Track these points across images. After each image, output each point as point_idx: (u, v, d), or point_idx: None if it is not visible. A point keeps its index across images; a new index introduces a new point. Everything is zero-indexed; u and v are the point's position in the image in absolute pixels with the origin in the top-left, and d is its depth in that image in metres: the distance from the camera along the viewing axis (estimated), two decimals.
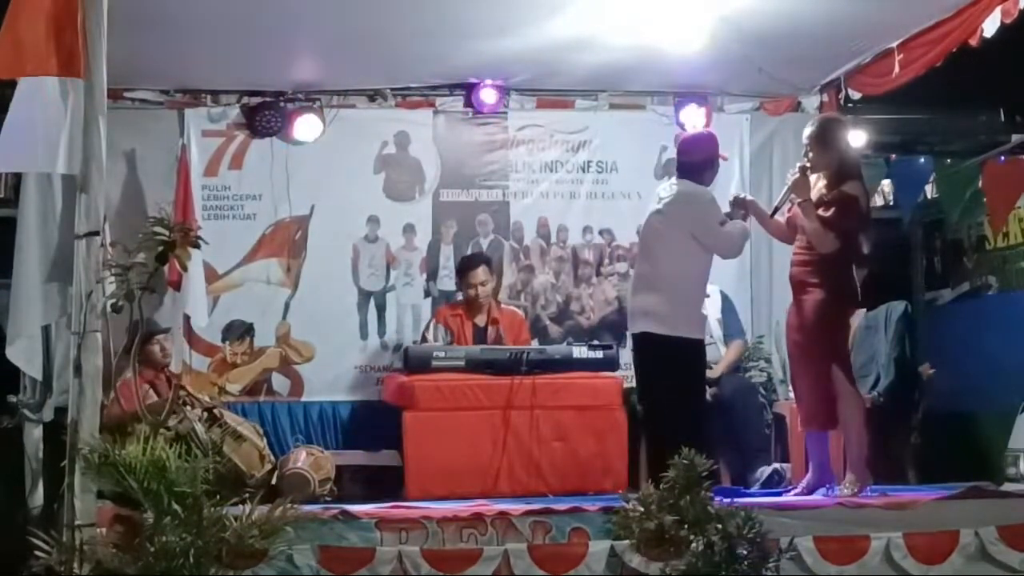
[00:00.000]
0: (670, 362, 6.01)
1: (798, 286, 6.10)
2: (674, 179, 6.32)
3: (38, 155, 4.88)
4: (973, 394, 8.13)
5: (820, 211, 5.95)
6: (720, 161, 6.40)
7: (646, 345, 6.16)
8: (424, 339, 7.37)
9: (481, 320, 7.37)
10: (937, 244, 9.70)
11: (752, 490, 6.70)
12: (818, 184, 6.06)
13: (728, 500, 5.04)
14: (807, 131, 6.15)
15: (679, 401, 5.96)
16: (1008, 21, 5.89)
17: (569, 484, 6.45)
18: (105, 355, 4.76)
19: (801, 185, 6.03)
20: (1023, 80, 8.17)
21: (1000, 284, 8.99)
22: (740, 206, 6.33)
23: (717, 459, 5.60)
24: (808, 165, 6.06)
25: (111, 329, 4.87)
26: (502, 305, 7.64)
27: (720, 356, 7.33)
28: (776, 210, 6.24)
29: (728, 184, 7.61)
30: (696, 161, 6.25)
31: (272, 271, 7.92)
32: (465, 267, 7.51)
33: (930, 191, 9.13)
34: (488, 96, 7.96)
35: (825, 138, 6.05)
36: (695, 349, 6.16)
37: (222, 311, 7.78)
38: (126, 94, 7.41)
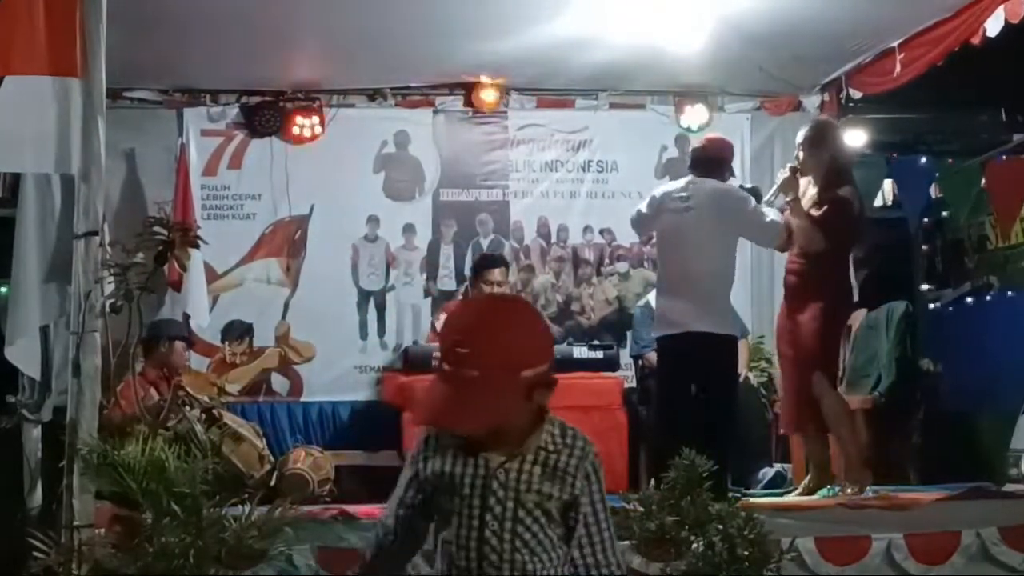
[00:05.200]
0: (709, 361, 5.85)
1: (794, 293, 6.08)
2: (691, 177, 6.13)
3: (33, 155, 4.87)
4: (974, 394, 8.11)
5: (812, 211, 5.96)
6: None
7: (684, 345, 5.93)
8: (433, 328, 7.34)
9: None
10: (938, 244, 9.69)
11: (754, 490, 6.69)
12: (808, 189, 6.06)
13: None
14: (801, 134, 6.16)
15: (718, 398, 5.84)
16: (1015, 21, 5.87)
17: None
18: (104, 355, 4.75)
19: (790, 185, 6.03)
20: (1023, 80, 8.16)
21: (1001, 284, 8.98)
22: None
23: (728, 459, 5.57)
24: (799, 167, 6.06)
25: (117, 329, 4.87)
26: None
27: None
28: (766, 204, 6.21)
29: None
30: (723, 159, 6.13)
31: (272, 271, 7.92)
32: (484, 265, 7.39)
33: (933, 191, 9.11)
34: (488, 96, 7.94)
35: (819, 141, 6.06)
36: (732, 345, 6.07)
37: (222, 311, 7.77)
38: (125, 94, 7.41)
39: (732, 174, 6.30)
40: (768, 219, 6.05)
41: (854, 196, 6.02)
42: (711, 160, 6.12)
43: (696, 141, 6.59)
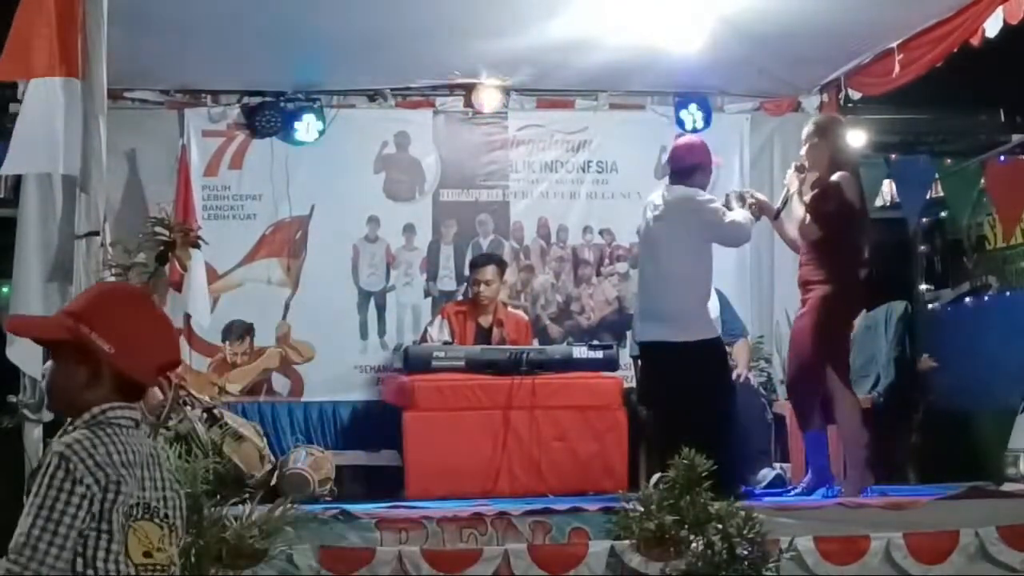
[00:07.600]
0: (694, 366, 5.90)
1: (804, 286, 6.13)
2: (665, 186, 6.29)
3: (34, 156, 4.89)
4: (973, 394, 8.13)
5: (805, 199, 6.02)
6: (713, 167, 6.36)
7: (661, 353, 6.05)
8: (426, 334, 7.36)
9: (485, 321, 7.35)
10: (938, 244, 9.69)
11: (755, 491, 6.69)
12: (812, 182, 6.11)
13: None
14: (805, 130, 6.22)
15: (710, 403, 5.87)
16: (1013, 22, 5.88)
17: (569, 484, 6.43)
18: None
19: (795, 181, 6.09)
20: (1023, 80, 8.17)
21: (1000, 284, 8.99)
22: (742, 201, 6.30)
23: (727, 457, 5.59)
24: (805, 164, 6.10)
25: None
26: (508, 308, 7.61)
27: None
28: (779, 211, 6.23)
29: (729, 185, 7.60)
30: (687, 166, 6.18)
31: (272, 271, 7.92)
32: (476, 264, 7.51)
33: (932, 191, 9.12)
34: (488, 96, 7.95)
35: (821, 135, 6.10)
36: (717, 348, 6.13)
37: (222, 311, 7.77)
38: (126, 94, 7.41)
39: (710, 169, 6.33)
40: (728, 220, 6.09)
41: (846, 180, 5.99)
42: (681, 167, 6.19)
43: (670, 145, 6.61)
